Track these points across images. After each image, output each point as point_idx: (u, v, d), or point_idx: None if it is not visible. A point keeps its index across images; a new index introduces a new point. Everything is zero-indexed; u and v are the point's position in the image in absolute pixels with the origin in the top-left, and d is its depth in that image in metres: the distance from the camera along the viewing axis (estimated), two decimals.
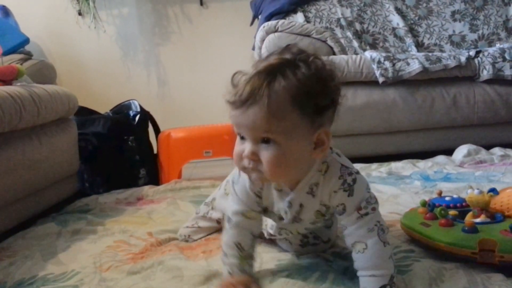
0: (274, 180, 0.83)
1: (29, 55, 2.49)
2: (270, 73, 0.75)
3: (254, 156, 0.77)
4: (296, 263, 0.95)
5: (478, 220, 0.95)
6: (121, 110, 2.26)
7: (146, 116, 2.24)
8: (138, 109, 2.20)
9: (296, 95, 0.74)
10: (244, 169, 0.81)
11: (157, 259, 1.04)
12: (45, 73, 2.37)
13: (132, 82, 3.19)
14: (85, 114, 2.12)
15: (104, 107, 2.36)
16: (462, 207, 1.06)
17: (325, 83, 0.78)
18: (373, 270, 0.78)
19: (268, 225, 1.02)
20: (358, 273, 0.81)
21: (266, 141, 0.76)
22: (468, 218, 0.98)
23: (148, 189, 1.87)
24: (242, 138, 0.79)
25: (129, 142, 2.10)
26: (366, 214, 0.81)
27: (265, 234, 1.05)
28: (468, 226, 0.89)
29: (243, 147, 0.78)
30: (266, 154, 0.76)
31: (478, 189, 1.00)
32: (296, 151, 0.78)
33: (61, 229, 1.37)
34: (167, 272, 0.96)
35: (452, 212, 1.00)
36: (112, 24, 3.15)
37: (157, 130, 2.33)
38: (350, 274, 0.87)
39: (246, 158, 0.78)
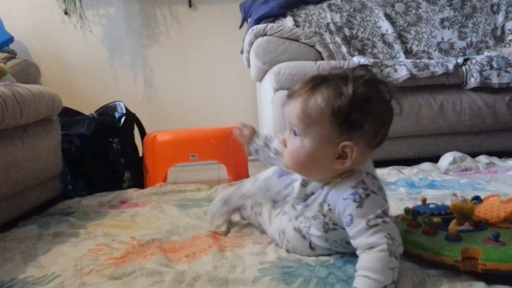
0: (292, 169, 0.94)
1: (13, 54, 2.46)
2: (320, 79, 0.86)
3: (284, 142, 0.92)
4: (279, 267, 0.94)
5: (461, 228, 0.95)
6: (106, 111, 2.23)
7: (131, 118, 2.21)
8: (124, 111, 2.17)
9: (332, 105, 0.82)
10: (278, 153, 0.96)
11: (139, 264, 1.02)
12: (29, 72, 2.34)
13: (118, 83, 3.17)
14: (69, 115, 2.09)
15: (89, 108, 2.33)
16: (446, 215, 1.06)
17: (365, 104, 0.83)
18: (369, 272, 0.78)
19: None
20: (356, 273, 0.81)
21: (295, 133, 0.88)
22: (452, 226, 0.97)
23: (132, 192, 1.85)
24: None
25: (114, 145, 2.08)
26: (376, 225, 0.81)
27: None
28: (452, 234, 0.89)
29: (284, 134, 0.92)
30: (290, 144, 0.89)
31: (462, 196, 1.00)
32: (316, 152, 0.86)
33: (42, 232, 1.34)
34: (148, 276, 0.95)
35: (436, 219, 0.99)
36: (99, 24, 3.14)
37: (142, 133, 2.30)
38: (331, 279, 0.87)
39: (278, 143, 0.94)
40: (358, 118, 0.83)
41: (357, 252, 0.84)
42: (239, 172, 2.16)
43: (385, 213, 0.84)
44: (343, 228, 0.88)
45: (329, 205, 0.89)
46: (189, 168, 2.77)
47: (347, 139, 0.84)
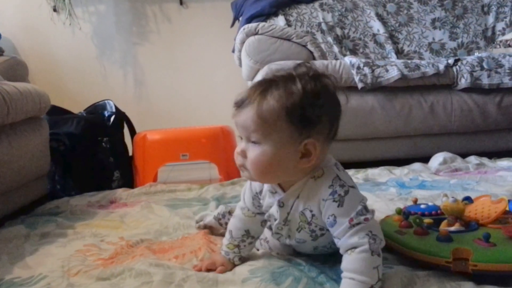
0: (257, 179, 0.89)
1: (0, 51, 2.42)
2: (267, 83, 0.84)
3: (243, 154, 0.86)
4: (269, 268, 0.94)
5: (452, 228, 0.95)
6: (96, 110, 2.21)
7: (121, 117, 2.20)
8: (113, 110, 2.15)
9: (286, 105, 0.81)
10: (238, 166, 0.88)
11: (127, 264, 1.01)
12: (16, 70, 2.30)
13: (108, 81, 3.15)
14: (57, 114, 2.08)
15: (78, 107, 2.31)
16: (437, 215, 1.06)
17: (317, 98, 0.82)
18: (354, 274, 0.78)
19: (268, 237, 1.05)
20: (342, 274, 0.81)
21: (253, 141, 0.84)
22: (443, 226, 0.98)
23: (121, 192, 1.84)
24: (241, 137, 0.87)
25: (103, 144, 2.06)
26: (358, 223, 0.81)
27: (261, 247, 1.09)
28: (443, 235, 0.89)
29: (239, 145, 0.87)
30: (252, 153, 0.84)
31: (453, 197, 1.00)
32: (280, 156, 0.83)
33: (29, 232, 1.33)
34: (137, 277, 0.94)
35: (427, 220, 0.99)
36: (88, 22, 3.11)
37: (132, 132, 2.29)
38: (321, 279, 0.87)
39: (237, 155, 0.87)
40: (313, 113, 0.82)
41: (340, 251, 0.83)
42: (230, 172, 2.15)
43: (365, 208, 0.84)
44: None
45: (311, 211, 0.87)
46: (180, 168, 2.76)
47: (307, 136, 0.83)
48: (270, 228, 0.97)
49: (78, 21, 3.05)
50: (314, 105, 0.82)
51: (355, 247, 0.80)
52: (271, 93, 0.82)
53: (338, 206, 0.83)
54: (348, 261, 0.80)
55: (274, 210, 0.92)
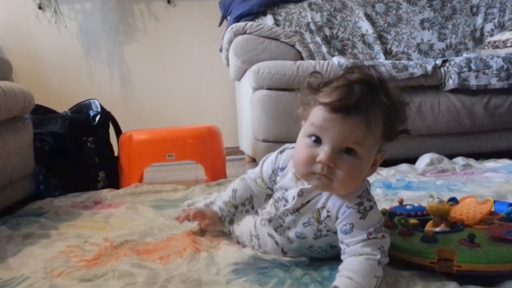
0: (341, 191, 0.82)
1: None
2: (372, 86, 0.76)
3: (333, 164, 0.77)
4: (254, 268, 0.94)
5: (437, 229, 0.95)
6: (81, 109, 2.18)
7: (107, 117, 2.17)
8: (99, 109, 2.13)
9: (388, 115, 0.78)
10: (311, 174, 0.80)
11: (111, 265, 1.00)
12: (0, 68, 2.27)
13: (93, 80, 3.12)
14: (42, 113, 2.05)
15: (63, 106, 2.28)
16: (422, 216, 1.06)
17: (404, 111, 0.81)
18: (353, 273, 0.77)
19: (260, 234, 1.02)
20: (338, 274, 0.79)
21: (349, 151, 0.77)
22: (428, 227, 0.98)
23: (106, 193, 1.82)
24: (316, 140, 0.79)
25: (88, 144, 2.04)
26: (375, 238, 0.81)
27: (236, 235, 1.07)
28: (427, 235, 0.89)
29: (316, 151, 0.78)
30: (347, 164, 0.77)
31: (438, 198, 0.99)
32: (367, 166, 0.81)
33: (12, 233, 1.31)
34: (120, 278, 0.93)
35: (412, 221, 0.99)
36: (74, 20, 3.08)
37: (118, 132, 2.26)
38: (306, 280, 0.86)
39: (322, 164, 0.77)
40: (399, 126, 0.82)
41: (343, 257, 0.82)
42: (216, 173, 2.14)
43: (382, 227, 0.83)
44: (335, 233, 0.86)
45: (328, 211, 0.85)
46: (167, 168, 2.74)
47: (383, 146, 0.83)
48: (269, 220, 0.95)
49: (64, 19, 3.02)
50: (402, 117, 0.81)
51: (363, 254, 0.79)
52: (377, 100, 0.76)
53: (360, 218, 0.82)
54: (352, 262, 0.79)
55: (290, 195, 0.89)
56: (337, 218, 0.84)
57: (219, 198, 0.98)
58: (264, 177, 0.94)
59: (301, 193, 0.87)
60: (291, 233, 0.92)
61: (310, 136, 0.80)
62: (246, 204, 0.96)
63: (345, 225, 0.82)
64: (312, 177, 0.81)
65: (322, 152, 0.77)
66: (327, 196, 0.85)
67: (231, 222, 0.97)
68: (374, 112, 0.76)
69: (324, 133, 0.78)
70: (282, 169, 0.91)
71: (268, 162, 0.94)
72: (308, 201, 0.87)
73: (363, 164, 0.79)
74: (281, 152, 0.93)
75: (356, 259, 0.79)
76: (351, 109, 0.75)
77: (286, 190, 0.90)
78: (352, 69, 0.79)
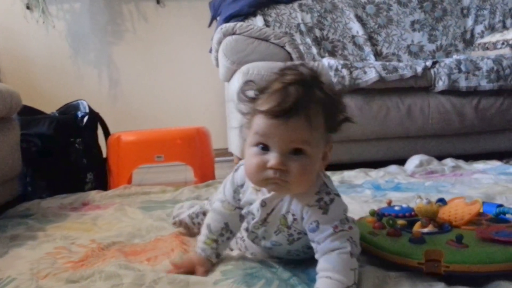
0: (297, 190, 0.83)
1: None
2: (305, 84, 0.78)
3: (284, 167, 0.78)
4: (242, 269, 0.93)
5: (425, 230, 0.95)
6: (68, 110, 2.16)
7: (95, 118, 2.15)
8: (87, 110, 2.11)
9: (327, 108, 0.79)
10: (265, 180, 0.81)
11: (98, 267, 1.00)
12: None
13: (82, 81, 3.11)
14: (29, 114, 2.03)
15: (51, 107, 2.26)
16: (410, 217, 1.06)
17: (341, 100, 0.84)
18: (331, 273, 0.77)
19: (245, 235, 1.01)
20: (317, 275, 0.80)
21: (297, 152, 0.78)
22: (416, 228, 0.97)
23: (95, 194, 1.81)
24: (264, 148, 0.79)
25: (76, 145, 2.02)
26: (342, 230, 0.81)
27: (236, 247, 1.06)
28: (415, 236, 0.89)
29: (265, 157, 0.79)
30: (297, 164, 0.78)
31: (426, 199, 0.99)
32: (317, 162, 0.81)
33: None
34: (107, 280, 0.92)
35: (400, 222, 0.99)
36: (62, 20, 3.07)
37: (106, 133, 2.25)
38: (293, 281, 0.86)
39: (273, 169, 0.78)
40: (340, 116, 0.83)
41: (317, 256, 0.82)
42: (205, 174, 2.13)
43: (347, 218, 0.84)
44: (306, 234, 0.86)
45: (293, 215, 0.86)
46: (156, 170, 2.72)
47: (329, 138, 0.83)
48: (246, 229, 0.95)
49: (52, 19, 3.00)
50: (341, 107, 0.83)
51: (334, 250, 0.80)
52: (314, 97, 0.78)
53: (322, 213, 0.82)
54: (327, 261, 0.80)
55: (254, 208, 0.89)
56: (302, 218, 0.84)
57: (199, 241, 0.97)
58: (229, 199, 0.95)
59: (263, 204, 0.88)
60: (267, 243, 0.93)
61: (256, 145, 0.80)
62: (224, 233, 0.96)
63: (311, 223, 0.83)
64: (267, 183, 0.81)
65: (272, 158, 0.78)
66: (289, 201, 0.86)
67: (218, 255, 0.97)
68: (313, 109, 0.77)
69: (269, 140, 0.78)
70: (242, 185, 0.92)
71: (228, 184, 0.95)
72: (273, 210, 0.88)
73: (313, 160, 0.80)
74: (236, 170, 0.94)
75: (329, 257, 0.80)
76: (291, 111, 0.76)
77: (250, 204, 0.90)
78: (284, 71, 0.81)
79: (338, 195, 0.85)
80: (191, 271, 0.92)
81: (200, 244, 0.96)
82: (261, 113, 0.78)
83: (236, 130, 2.41)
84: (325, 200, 0.83)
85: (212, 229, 0.96)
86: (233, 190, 0.94)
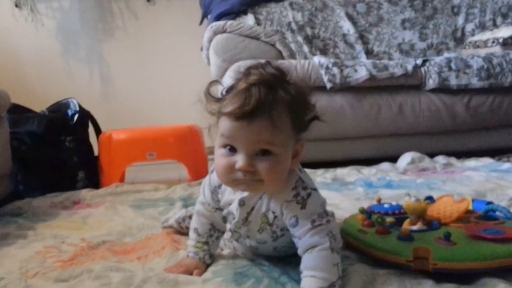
0: (273, 189, 0.84)
1: None
2: (269, 85, 0.77)
3: (252, 168, 0.78)
4: (232, 268, 0.93)
5: (414, 227, 0.95)
6: (59, 108, 2.15)
7: (85, 116, 2.14)
8: (77, 108, 2.10)
9: (293, 108, 0.79)
10: (235, 181, 0.81)
11: (87, 266, 0.99)
12: None
13: (73, 80, 3.09)
14: (18, 112, 2.02)
15: (42, 106, 2.24)
16: (400, 214, 1.06)
17: (309, 99, 0.83)
18: (314, 271, 0.78)
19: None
20: (301, 275, 0.80)
21: (264, 153, 0.78)
22: (406, 225, 0.98)
23: (86, 193, 1.80)
24: (231, 149, 0.80)
25: (67, 143, 2.01)
26: (320, 225, 0.81)
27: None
28: (404, 234, 0.89)
29: (233, 159, 0.79)
30: (266, 165, 0.78)
31: (415, 196, 1.00)
32: (287, 161, 0.81)
33: None
34: (96, 279, 0.92)
35: (389, 219, 0.99)
36: (52, 18, 3.05)
37: (98, 131, 2.23)
38: (283, 279, 0.87)
39: (242, 171, 0.79)
40: (309, 114, 0.83)
41: (299, 252, 0.83)
42: (198, 172, 2.12)
43: (325, 211, 0.84)
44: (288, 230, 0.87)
45: (273, 212, 0.86)
46: (149, 168, 2.71)
47: (299, 136, 0.84)
48: (230, 230, 0.95)
49: (41, 17, 2.99)
50: (309, 106, 0.83)
51: (315, 246, 0.80)
52: (280, 98, 0.77)
53: (300, 208, 0.83)
54: (308, 260, 0.80)
55: (233, 208, 0.90)
56: (282, 214, 0.85)
57: (190, 245, 0.97)
58: (209, 202, 0.95)
59: (242, 203, 0.88)
60: (252, 242, 0.94)
61: (224, 146, 0.81)
62: (213, 233, 0.97)
63: (290, 219, 0.84)
64: (237, 184, 0.82)
65: (239, 160, 0.78)
66: (268, 199, 0.86)
67: (211, 256, 0.97)
68: (277, 110, 0.77)
69: (235, 142, 0.79)
70: (219, 186, 0.92)
71: (206, 186, 0.95)
72: (252, 209, 0.88)
73: (281, 160, 0.80)
74: (212, 171, 0.93)
75: (310, 256, 0.80)
76: (253, 113, 0.76)
77: (229, 204, 0.91)
78: (249, 71, 0.80)
79: (315, 189, 0.86)
80: (187, 274, 0.92)
81: (191, 249, 0.96)
82: (224, 115, 0.79)
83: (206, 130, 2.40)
84: (302, 195, 0.84)
85: (200, 232, 0.96)
86: (211, 191, 0.94)
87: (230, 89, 0.80)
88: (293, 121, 0.80)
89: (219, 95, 0.83)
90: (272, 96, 0.77)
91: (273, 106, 0.76)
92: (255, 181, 0.80)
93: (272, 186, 0.82)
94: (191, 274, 0.91)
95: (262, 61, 0.85)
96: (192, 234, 0.97)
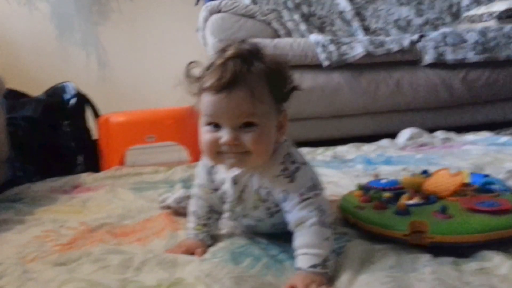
0: (261, 162, 0.84)
1: None
2: (244, 58, 0.79)
3: (237, 141, 0.79)
4: (230, 247, 0.93)
5: (411, 202, 0.95)
6: (55, 93, 2.14)
7: (82, 100, 2.13)
8: (74, 92, 2.09)
9: (271, 79, 0.80)
10: (221, 156, 0.82)
11: (86, 249, 0.99)
12: None
13: (69, 63, 3.07)
14: (14, 97, 2.00)
15: (38, 90, 2.23)
16: (397, 190, 1.06)
17: (287, 70, 0.84)
18: (306, 248, 0.78)
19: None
20: (294, 253, 0.81)
21: (247, 125, 0.79)
22: (403, 200, 0.98)
23: (86, 177, 1.79)
24: (215, 126, 0.80)
25: (64, 127, 2.01)
26: (308, 198, 0.82)
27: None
28: (400, 208, 0.89)
29: (218, 135, 0.80)
30: (249, 136, 0.79)
31: (411, 171, 1.00)
32: (271, 131, 0.82)
33: None
34: (94, 262, 0.92)
35: (386, 194, 1.00)
36: (46, 1, 3.01)
37: (96, 115, 2.22)
38: (282, 257, 0.87)
39: (227, 145, 0.80)
40: (287, 85, 0.84)
41: (290, 227, 0.84)
42: (198, 153, 2.09)
43: (315, 185, 0.85)
44: None
45: (265, 188, 0.87)
46: (150, 151, 2.71)
47: (281, 108, 0.85)
48: (226, 210, 0.97)
49: (35, 1, 2.94)
50: (287, 77, 0.84)
51: (303, 221, 0.81)
52: (256, 68, 0.79)
53: (289, 182, 0.84)
54: (299, 237, 0.81)
55: (227, 187, 0.91)
56: (273, 189, 0.86)
57: (189, 228, 0.99)
58: (205, 184, 0.96)
59: (235, 181, 0.89)
60: (250, 220, 0.95)
61: (208, 125, 0.82)
62: (211, 216, 0.98)
63: (279, 193, 0.85)
64: (223, 158, 0.83)
65: (224, 135, 0.79)
66: (258, 176, 0.87)
67: (212, 237, 0.98)
68: (254, 80, 0.78)
69: (218, 118, 0.80)
70: (213, 166, 0.93)
71: (201, 168, 0.96)
72: (245, 186, 0.89)
73: (266, 131, 0.81)
74: None
75: (301, 233, 0.81)
76: (232, 85, 0.77)
77: (223, 183, 0.92)
78: (226, 47, 0.82)
79: (305, 163, 0.87)
80: (189, 254, 0.93)
81: (191, 231, 0.98)
82: (204, 90, 0.80)
83: None
84: (291, 169, 0.84)
85: (199, 214, 0.98)
86: (205, 172, 0.95)
87: (208, 67, 0.81)
88: (272, 92, 0.81)
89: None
90: (248, 67, 0.78)
91: (249, 77, 0.78)
92: (241, 154, 0.81)
93: (260, 157, 0.82)
94: (192, 254, 0.92)
95: (238, 40, 0.86)
96: (191, 217, 0.99)
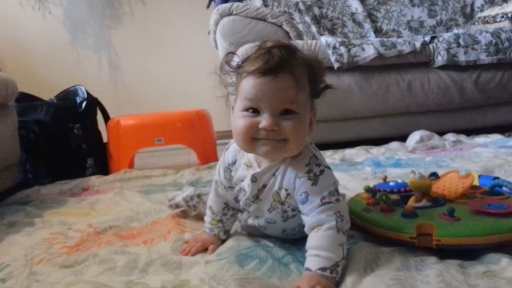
0: (292, 150, 0.83)
1: None
2: (288, 48, 0.80)
3: (277, 127, 0.78)
4: (236, 249, 0.93)
5: (419, 204, 0.95)
6: (67, 96, 2.16)
7: (93, 103, 2.15)
8: (85, 95, 2.10)
9: (311, 71, 0.81)
10: (253, 142, 0.81)
11: (92, 251, 1.00)
12: None
13: (81, 67, 3.09)
14: (26, 101, 2.02)
15: (51, 94, 2.25)
16: (405, 192, 1.05)
17: (323, 67, 0.86)
18: (318, 250, 0.78)
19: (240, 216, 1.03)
20: (306, 253, 0.80)
21: (287, 112, 0.79)
22: (411, 202, 0.97)
23: (95, 179, 1.80)
24: (254, 111, 0.80)
25: (75, 130, 2.02)
26: (329, 203, 0.81)
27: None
28: (408, 211, 0.89)
29: (256, 119, 0.79)
30: (290, 124, 0.79)
31: (419, 173, 0.99)
32: (307, 124, 0.83)
33: None
34: (101, 264, 0.93)
35: (394, 197, 0.99)
36: (59, 5, 3.04)
37: (106, 118, 2.24)
38: (287, 260, 0.87)
39: (266, 130, 0.78)
40: (321, 82, 0.85)
41: (306, 229, 0.83)
42: (207, 156, 2.12)
43: (337, 190, 0.84)
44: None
45: (286, 189, 0.86)
46: (159, 154, 2.72)
47: (313, 104, 0.85)
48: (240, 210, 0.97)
49: (48, 5, 2.98)
50: (323, 73, 0.85)
51: (321, 224, 0.80)
52: (298, 60, 0.80)
53: (312, 184, 0.83)
54: (314, 239, 0.80)
55: (245, 184, 0.90)
56: (294, 190, 0.85)
57: (206, 221, 1.01)
58: (222, 181, 0.96)
59: (254, 179, 0.88)
60: (261, 221, 0.94)
61: (246, 109, 0.80)
62: (227, 212, 0.99)
63: (301, 194, 0.84)
64: (258, 145, 0.81)
65: (264, 120, 0.78)
66: (281, 176, 0.86)
67: (226, 232, 1.00)
68: (298, 69, 0.79)
69: (260, 103, 0.79)
70: (233, 163, 0.93)
71: (220, 165, 0.96)
72: (264, 186, 0.88)
73: (303, 121, 0.81)
74: (227, 149, 0.95)
75: (316, 235, 0.80)
76: (278, 69, 0.77)
77: (242, 180, 0.91)
78: (266, 41, 0.82)
79: (328, 167, 0.86)
80: (204, 248, 0.96)
81: (207, 225, 1.00)
82: (249, 74, 0.79)
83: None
84: (315, 171, 0.83)
85: (215, 210, 0.99)
86: (224, 169, 0.95)
87: (247, 58, 0.82)
88: (311, 84, 0.82)
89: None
90: (293, 56, 0.79)
91: (294, 65, 0.78)
92: (278, 141, 0.80)
93: (296, 146, 0.82)
94: (207, 249, 0.95)
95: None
96: (208, 211, 1.01)
